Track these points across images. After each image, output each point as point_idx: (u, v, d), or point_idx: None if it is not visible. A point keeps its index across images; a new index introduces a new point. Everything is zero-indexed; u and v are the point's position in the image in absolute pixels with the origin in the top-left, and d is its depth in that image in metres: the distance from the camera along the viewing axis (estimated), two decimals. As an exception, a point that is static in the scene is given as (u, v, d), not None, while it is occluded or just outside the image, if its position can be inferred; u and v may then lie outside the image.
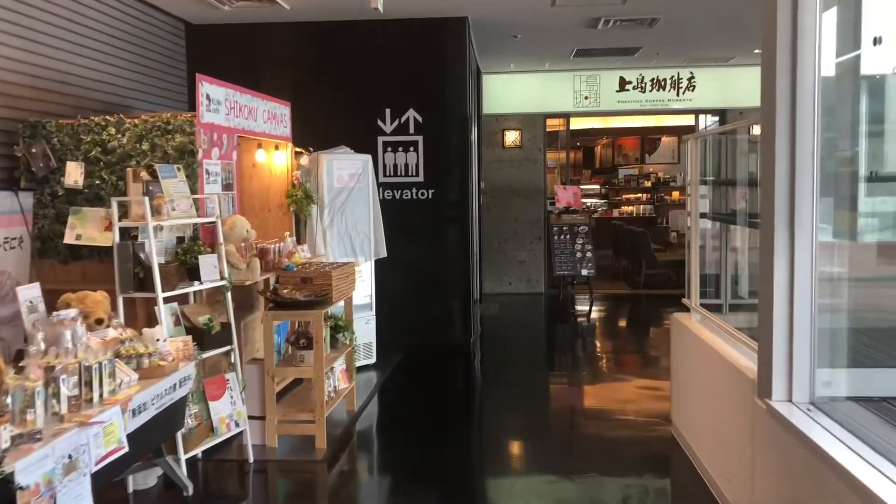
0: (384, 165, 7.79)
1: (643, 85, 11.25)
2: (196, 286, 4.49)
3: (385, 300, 7.37)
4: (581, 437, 5.52)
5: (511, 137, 11.43)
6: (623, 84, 11.29)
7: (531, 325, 9.88)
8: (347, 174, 6.82)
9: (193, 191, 4.72)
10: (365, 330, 7.03)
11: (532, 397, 6.60)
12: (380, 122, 7.76)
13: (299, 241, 6.49)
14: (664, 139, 17.15)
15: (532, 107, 11.43)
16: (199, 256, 4.50)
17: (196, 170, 4.79)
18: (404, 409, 6.26)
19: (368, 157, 6.98)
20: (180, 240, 4.72)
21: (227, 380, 4.65)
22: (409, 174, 7.79)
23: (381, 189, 7.67)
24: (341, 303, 5.59)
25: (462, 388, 7.03)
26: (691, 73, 11.18)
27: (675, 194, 17.12)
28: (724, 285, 4.99)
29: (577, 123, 12.19)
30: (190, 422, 4.39)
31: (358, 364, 6.92)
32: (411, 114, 7.76)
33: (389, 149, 7.78)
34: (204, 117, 4.87)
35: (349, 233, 6.81)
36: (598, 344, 8.75)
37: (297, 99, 6.87)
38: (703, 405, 4.40)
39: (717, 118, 11.72)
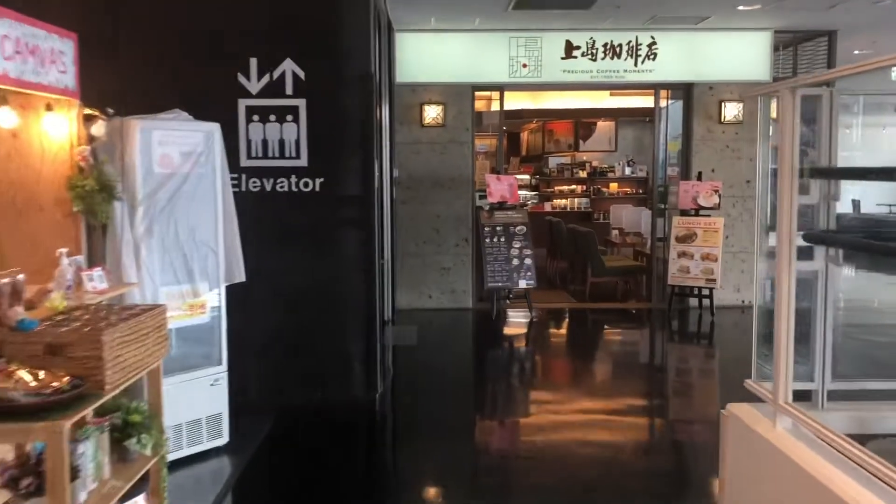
0: (248, 142, 5.30)
1: (594, 51, 9.08)
2: None
3: (245, 344, 4.93)
4: None
5: (432, 113, 9.07)
6: (570, 49, 9.09)
7: (460, 358, 7.57)
8: (179, 153, 4.32)
9: None
10: (209, 396, 4.55)
11: (470, 494, 4.29)
12: (241, 78, 5.27)
13: (93, 263, 3.97)
14: (600, 124, 15.16)
15: (458, 75, 9.10)
16: None
17: None
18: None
19: (215, 128, 4.49)
20: None
21: None
22: (287, 155, 5.33)
23: (240, 177, 5.21)
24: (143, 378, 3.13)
25: (363, 483, 4.65)
26: (652, 38, 9.08)
27: (613, 186, 15.26)
28: (822, 357, 2.80)
29: (508, 101, 9.96)
30: None
31: (198, 449, 4.46)
32: (289, 67, 5.30)
33: (256, 117, 5.30)
34: None
35: (181, 246, 4.31)
36: (548, 385, 6.54)
37: (95, 32, 4.32)
38: None
39: (678, 100, 9.68)
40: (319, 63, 5.34)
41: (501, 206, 8.89)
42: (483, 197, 9.20)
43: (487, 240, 8.73)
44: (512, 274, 8.70)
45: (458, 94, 9.12)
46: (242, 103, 5.26)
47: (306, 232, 5.38)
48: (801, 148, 2.85)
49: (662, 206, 9.82)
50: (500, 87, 9.31)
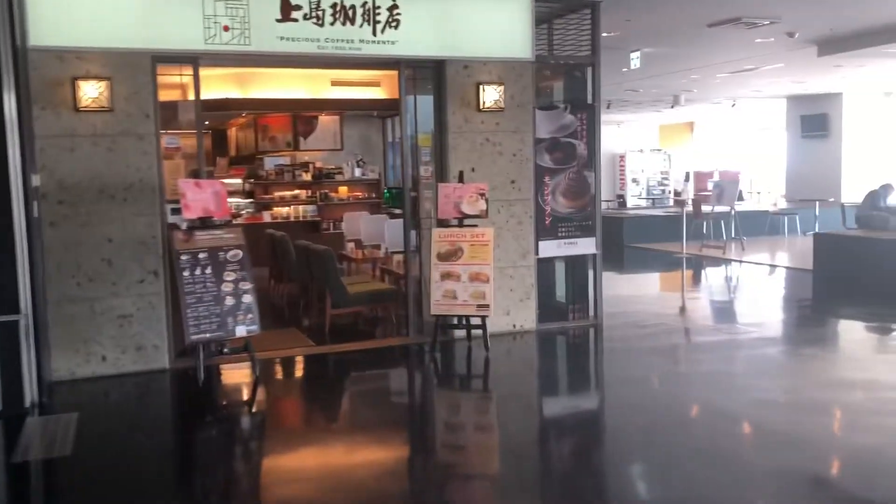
0: None
1: (320, 13, 6.86)
2: None
3: None
4: None
5: (91, 92, 6.20)
6: (288, 9, 6.76)
7: (149, 464, 4.86)
8: None
9: None
10: None
11: None
12: None
13: None
14: (322, 118, 13.05)
15: (131, 39, 6.34)
16: None
17: None
18: None
19: None
20: None
21: None
22: None
23: None
24: None
25: None
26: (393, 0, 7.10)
27: (343, 190, 13.28)
28: None
29: (206, 89, 7.38)
30: None
31: None
32: None
33: None
34: None
35: None
36: (286, 494, 4.20)
37: None
38: None
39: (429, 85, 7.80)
40: None
41: (204, 223, 6.32)
42: (177, 211, 6.55)
43: (186, 272, 6.12)
44: (225, 318, 6.19)
45: (131, 67, 6.37)
46: None
47: None
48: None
49: (395, 211, 7.83)
50: (194, 58, 6.70)
